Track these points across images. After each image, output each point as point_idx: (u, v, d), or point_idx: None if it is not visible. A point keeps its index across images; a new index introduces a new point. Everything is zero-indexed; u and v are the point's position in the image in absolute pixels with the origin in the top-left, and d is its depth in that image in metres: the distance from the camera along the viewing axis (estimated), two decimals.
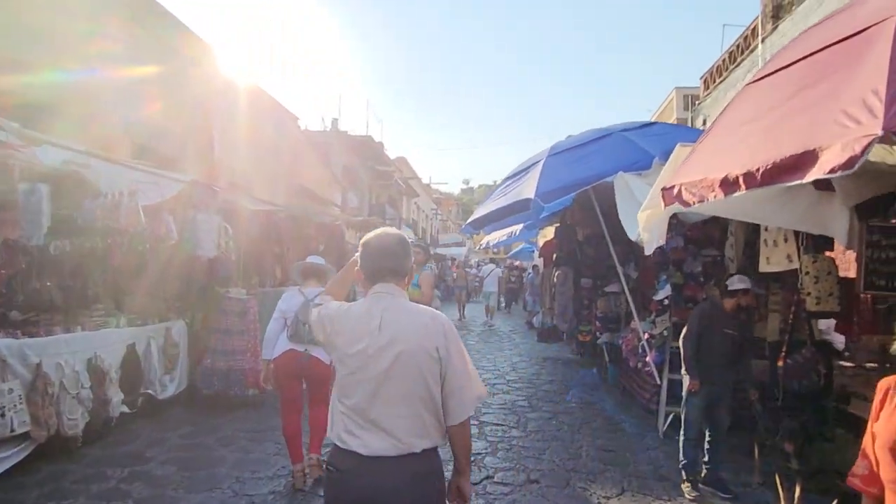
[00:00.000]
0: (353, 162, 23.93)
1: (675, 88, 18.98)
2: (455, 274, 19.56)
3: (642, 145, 5.58)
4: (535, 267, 16.25)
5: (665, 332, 5.76)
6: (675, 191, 2.65)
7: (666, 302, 5.79)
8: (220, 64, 10.95)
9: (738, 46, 12.88)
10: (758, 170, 2.04)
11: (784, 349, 3.59)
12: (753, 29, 12.00)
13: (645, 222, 3.47)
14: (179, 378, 6.30)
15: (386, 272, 2.00)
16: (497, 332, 14.68)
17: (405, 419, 1.87)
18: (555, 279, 8.90)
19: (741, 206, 3.71)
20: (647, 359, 6.17)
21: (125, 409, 5.34)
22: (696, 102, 15.38)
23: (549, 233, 11.80)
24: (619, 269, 6.20)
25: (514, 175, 6.76)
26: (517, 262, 23.15)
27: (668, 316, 5.79)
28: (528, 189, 5.66)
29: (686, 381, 4.45)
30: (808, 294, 3.60)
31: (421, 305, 2.10)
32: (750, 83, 3.00)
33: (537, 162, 6.22)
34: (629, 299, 6.16)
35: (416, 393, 1.88)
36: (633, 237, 4.76)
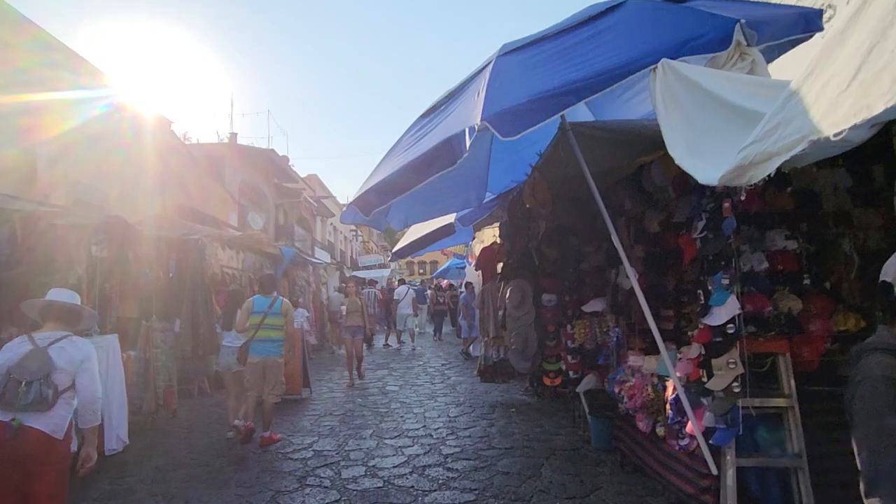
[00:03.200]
0: (253, 178, 21.11)
1: None
2: (345, 305, 10.36)
3: (701, 7, 2.84)
4: (468, 284, 13.39)
5: (735, 386, 3.06)
6: None
7: (730, 329, 3.10)
8: (65, 54, 8.55)
9: None
10: None
11: None
12: None
13: None
14: None
15: None
16: (427, 368, 11.67)
17: None
18: (506, 299, 6.06)
19: None
20: (688, 429, 3.48)
21: None
22: None
23: (486, 237, 9.05)
24: (630, 271, 3.46)
25: (438, 107, 3.66)
26: (445, 281, 20.34)
27: (735, 352, 3.11)
28: (466, 116, 2.71)
29: None
30: None
31: None
32: None
33: (480, 71, 3.28)
34: (650, 323, 3.43)
35: None
36: (714, 180, 2.04)
